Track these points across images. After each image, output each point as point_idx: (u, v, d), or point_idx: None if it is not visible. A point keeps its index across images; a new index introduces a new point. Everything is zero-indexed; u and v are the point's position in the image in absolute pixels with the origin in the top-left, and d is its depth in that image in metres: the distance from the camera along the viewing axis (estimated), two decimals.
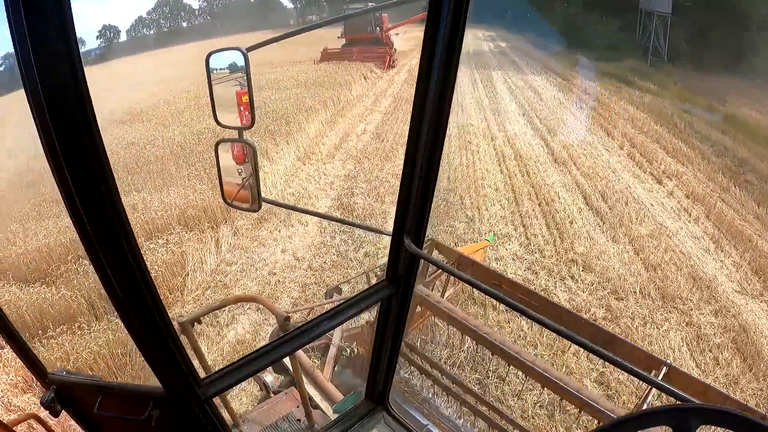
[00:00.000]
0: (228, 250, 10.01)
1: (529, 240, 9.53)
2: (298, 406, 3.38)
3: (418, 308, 4.94)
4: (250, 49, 2.19)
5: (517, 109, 19.02)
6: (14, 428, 2.63)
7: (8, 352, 6.22)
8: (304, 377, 3.41)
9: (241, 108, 2.31)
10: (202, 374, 1.92)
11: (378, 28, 29.36)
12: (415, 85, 1.85)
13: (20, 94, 1.19)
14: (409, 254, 2.26)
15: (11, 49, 1.09)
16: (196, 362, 2.10)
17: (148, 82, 25.74)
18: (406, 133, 2.03)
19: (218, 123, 2.34)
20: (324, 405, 3.74)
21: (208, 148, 14.07)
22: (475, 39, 37.27)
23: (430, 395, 5.03)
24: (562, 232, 9.81)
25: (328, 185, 12.62)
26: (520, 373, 4.45)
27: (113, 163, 1.31)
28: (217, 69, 2.31)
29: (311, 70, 26.31)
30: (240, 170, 2.53)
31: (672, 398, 1.43)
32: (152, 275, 1.53)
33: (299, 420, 3.30)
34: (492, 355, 4.47)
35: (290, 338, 2.19)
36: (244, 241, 10.29)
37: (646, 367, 3.45)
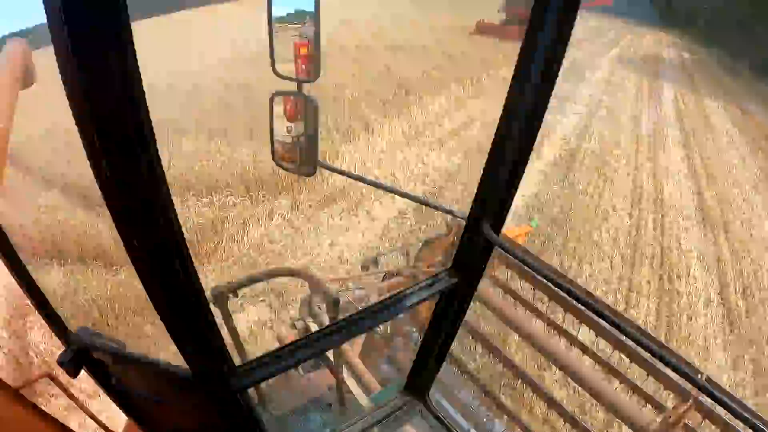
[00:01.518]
0: (277, 226, 8.97)
1: None
2: (330, 389, 3.24)
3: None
4: None
5: (680, 137, 16.20)
6: (23, 391, 2.32)
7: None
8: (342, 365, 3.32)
9: (299, 61, 2.12)
10: (236, 360, 1.61)
11: None
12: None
13: None
14: (484, 241, 1.98)
15: None
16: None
17: None
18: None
19: (276, 73, 2.15)
20: (357, 390, 3.42)
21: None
22: (656, 43, 33.99)
23: (471, 398, 4.47)
24: (672, 328, 7.63)
25: (421, 177, 11.00)
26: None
27: None
28: (280, 15, 2.10)
29: (461, 40, 23.77)
30: (290, 128, 2.32)
31: None
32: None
33: (330, 405, 3.18)
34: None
35: (342, 327, 1.90)
36: (299, 220, 9.18)
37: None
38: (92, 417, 2.79)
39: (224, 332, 2.24)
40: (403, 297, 2.06)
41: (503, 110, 1.68)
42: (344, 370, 3.46)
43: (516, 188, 1.85)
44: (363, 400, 3.31)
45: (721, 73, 27.93)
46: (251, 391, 2.20)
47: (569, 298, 2.79)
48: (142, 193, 1.09)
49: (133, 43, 0.91)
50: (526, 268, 3.64)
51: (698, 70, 27.80)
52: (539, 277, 3.68)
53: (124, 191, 1.07)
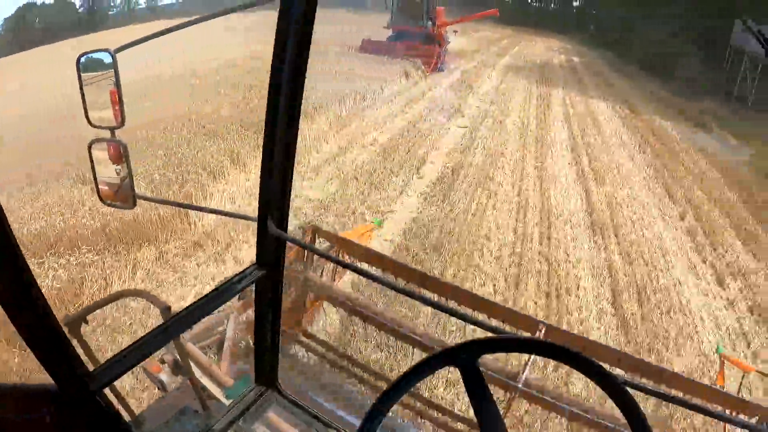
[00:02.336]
0: (141, 280, 7.97)
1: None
2: (194, 399, 3.19)
3: (311, 295, 5.15)
4: (119, 50, 2.15)
5: (568, 140, 15.97)
6: None
7: None
8: (199, 370, 3.54)
9: (115, 107, 2.27)
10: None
11: (430, 21, 25.68)
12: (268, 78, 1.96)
13: None
14: (275, 237, 2.34)
15: None
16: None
17: None
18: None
19: (90, 123, 2.28)
20: (219, 394, 3.61)
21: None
22: (547, 50, 34.69)
23: (327, 377, 5.01)
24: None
25: (293, 211, 9.91)
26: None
27: None
28: (88, 71, 2.29)
29: (349, 58, 23.38)
30: (117, 170, 2.46)
31: None
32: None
33: (196, 411, 3.15)
34: (383, 332, 4.71)
35: (169, 324, 2.19)
36: (164, 272, 8.19)
37: (524, 327, 4.06)
38: None
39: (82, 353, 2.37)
40: (222, 291, 2.32)
41: (265, 123, 1.98)
42: (204, 377, 3.68)
43: (290, 188, 2.20)
44: (223, 399, 3.47)
45: (609, 74, 28.55)
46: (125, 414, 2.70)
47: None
48: None
49: None
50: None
51: (587, 73, 28.31)
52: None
53: None
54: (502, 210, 10.53)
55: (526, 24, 45.25)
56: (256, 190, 2.26)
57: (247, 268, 2.48)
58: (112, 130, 2.30)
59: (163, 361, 3.56)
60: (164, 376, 3.66)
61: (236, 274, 2.40)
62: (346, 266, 4.95)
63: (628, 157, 15.01)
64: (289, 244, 2.58)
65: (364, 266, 4.72)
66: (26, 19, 31.61)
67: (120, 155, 2.41)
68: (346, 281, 6.43)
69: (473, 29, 38.23)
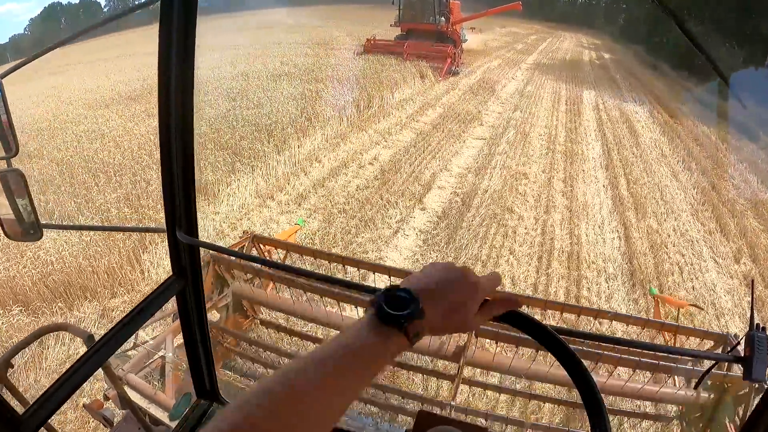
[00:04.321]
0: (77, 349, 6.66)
1: None
2: (139, 429, 3.23)
3: (246, 306, 5.28)
4: (3, 75, 1.87)
5: (601, 156, 13.79)
6: None
7: None
8: (144, 399, 3.66)
9: (6, 139, 2.07)
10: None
11: (443, 17, 22.93)
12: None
13: None
14: (187, 246, 2.28)
15: None
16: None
17: None
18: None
19: None
20: (165, 418, 3.63)
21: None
22: (576, 46, 32.39)
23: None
24: None
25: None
26: None
27: None
28: None
29: (355, 60, 21.39)
30: (23, 204, 2.27)
31: None
32: None
33: None
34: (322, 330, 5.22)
35: (94, 352, 2.10)
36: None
37: None
38: None
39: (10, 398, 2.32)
40: (143, 308, 2.26)
41: (159, 132, 1.92)
42: (151, 404, 3.71)
43: (193, 193, 2.12)
44: (168, 422, 3.47)
45: (643, 73, 26.26)
46: None
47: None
48: None
49: None
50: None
51: (620, 71, 26.07)
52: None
53: None
54: (520, 257, 8.43)
55: (554, 18, 43.07)
56: None
57: (164, 281, 2.39)
58: (7, 159, 2.12)
59: (106, 397, 3.55)
60: (108, 412, 3.65)
61: (155, 289, 2.31)
62: (266, 263, 4.97)
63: (671, 175, 12.80)
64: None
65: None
66: None
67: (20, 185, 2.22)
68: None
69: (500, 24, 36.16)
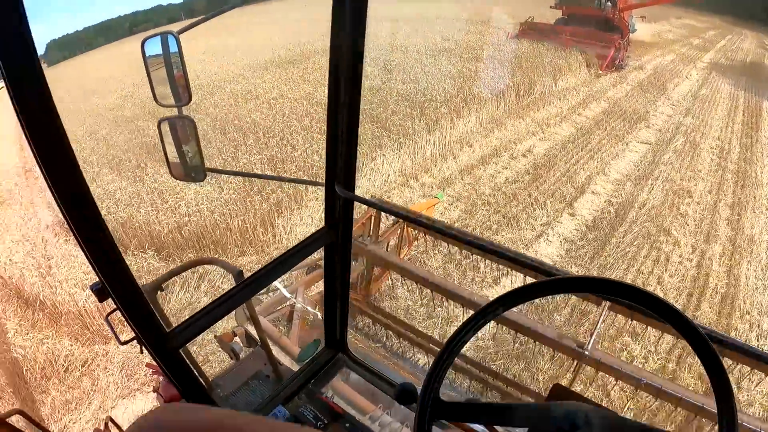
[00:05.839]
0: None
1: None
2: (265, 364, 3.47)
3: (376, 270, 5.44)
4: (181, 31, 2.06)
5: None
6: None
7: None
8: (269, 341, 3.61)
9: (179, 90, 2.19)
10: None
11: (609, 2, 20.73)
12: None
13: None
14: (343, 199, 2.41)
15: None
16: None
17: None
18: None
19: (158, 103, 2.25)
20: (288, 361, 3.77)
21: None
22: (759, 47, 29.12)
23: (393, 345, 5.51)
24: None
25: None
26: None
27: None
28: (152, 54, 2.19)
29: (515, 43, 20.43)
30: (185, 146, 2.46)
31: None
32: None
33: (268, 376, 3.41)
34: (447, 301, 4.92)
35: (242, 287, 2.31)
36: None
37: None
38: None
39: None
40: (291, 254, 2.44)
41: (328, 88, 2.05)
42: (274, 347, 3.73)
43: (355, 150, 2.27)
44: (292, 364, 3.58)
45: None
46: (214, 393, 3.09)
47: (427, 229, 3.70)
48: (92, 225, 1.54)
49: None
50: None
51: None
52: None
53: None
54: (668, 289, 7.50)
55: (736, 12, 38.89)
56: None
57: (316, 231, 2.53)
58: (179, 107, 2.25)
59: (234, 334, 3.68)
60: (236, 346, 3.78)
61: (306, 237, 2.47)
62: (419, 224, 4.42)
63: None
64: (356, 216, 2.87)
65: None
66: None
67: (191, 131, 2.40)
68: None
69: (675, 14, 33.41)
